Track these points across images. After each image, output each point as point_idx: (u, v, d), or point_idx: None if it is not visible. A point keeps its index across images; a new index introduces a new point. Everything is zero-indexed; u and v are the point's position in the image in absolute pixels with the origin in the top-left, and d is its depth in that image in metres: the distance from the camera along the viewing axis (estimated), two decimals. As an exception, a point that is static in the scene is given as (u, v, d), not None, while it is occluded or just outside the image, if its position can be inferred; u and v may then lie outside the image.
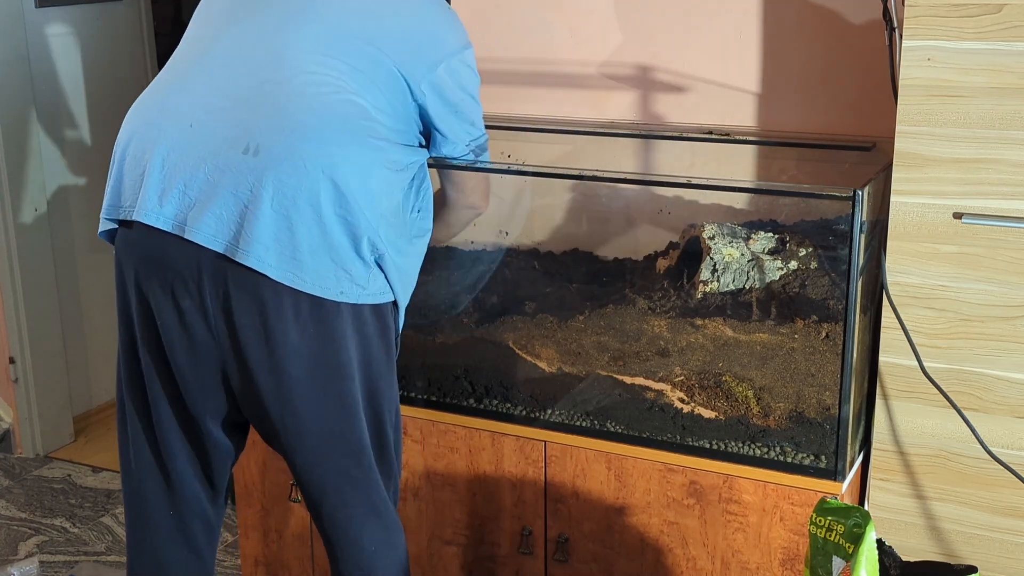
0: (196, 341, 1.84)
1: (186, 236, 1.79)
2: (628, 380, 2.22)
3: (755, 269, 2.15)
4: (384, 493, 1.98)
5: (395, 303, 1.94)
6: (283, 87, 1.82)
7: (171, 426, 1.94)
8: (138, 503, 2.01)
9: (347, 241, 1.81)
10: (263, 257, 1.77)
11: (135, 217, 1.83)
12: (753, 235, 2.15)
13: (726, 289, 2.17)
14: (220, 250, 1.78)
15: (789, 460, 2.08)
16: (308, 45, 1.86)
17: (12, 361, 3.53)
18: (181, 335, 1.84)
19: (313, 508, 1.97)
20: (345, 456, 1.91)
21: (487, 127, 2.09)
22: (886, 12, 2.16)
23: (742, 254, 2.15)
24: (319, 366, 1.84)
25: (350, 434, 1.91)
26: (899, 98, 1.93)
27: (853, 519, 1.62)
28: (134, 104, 1.94)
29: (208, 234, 1.78)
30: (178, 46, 1.99)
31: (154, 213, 1.81)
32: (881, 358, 2.04)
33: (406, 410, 2.30)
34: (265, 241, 1.77)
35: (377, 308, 1.90)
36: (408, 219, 1.94)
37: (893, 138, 1.95)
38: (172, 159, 1.81)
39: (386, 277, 1.88)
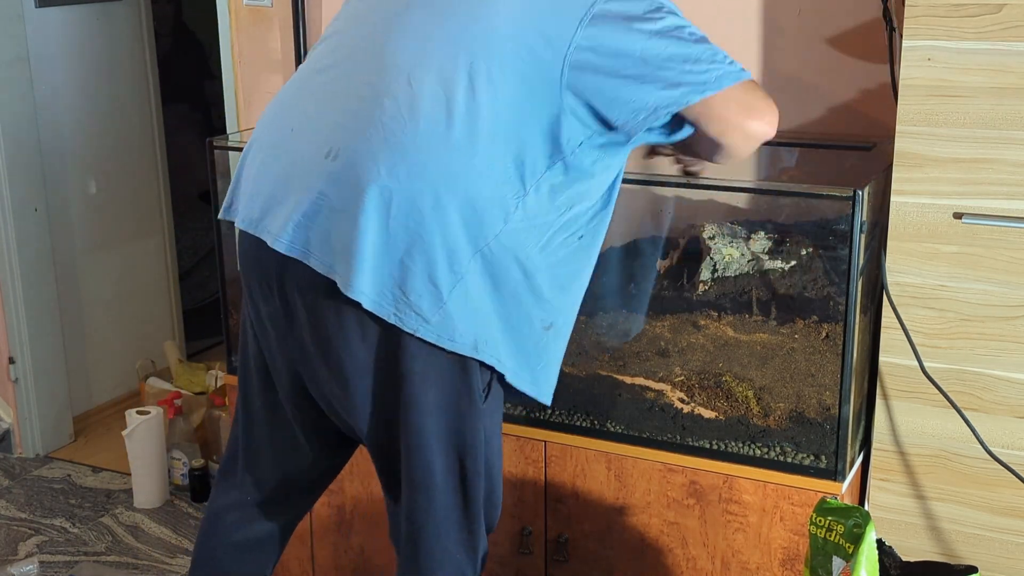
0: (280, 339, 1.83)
1: (258, 234, 1.76)
2: (628, 380, 2.22)
3: (755, 269, 2.15)
4: (454, 537, 1.80)
5: (486, 365, 1.72)
6: (375, 89, 1.70)
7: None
8: (208, 514, 2.05)
9: (419, 263, 1.65)
10: (332, 266, 1.67)
11: (228, 218, 1.87)
12: (753, 235, 2.15)
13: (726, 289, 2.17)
14: (284, 251, 1.71)
15: (789, 460, 2.08)
16: (411, 42, 1.72)
17: (12, 361, 3.53)
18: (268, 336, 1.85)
19: None
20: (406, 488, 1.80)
21: None
22: (886, 12, 2.17)
23: (742, 254, 2.15)
24: (380, 384, 1.74)
25: (412, 465, 1.77)
26: (899, 98, 1.93)
27: (853, 519, 1.62)
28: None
29: (273, 234, 1.73)
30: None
31: (242, 214, 1.82)
32: (881, 358, 2.04)
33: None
34: (335, 247, 1.67)
35: (461, 359, 1.70)
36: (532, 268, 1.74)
37: (893, 138, 1.95)
38: (266, 164, 1.79)
39: (465, 319, 1.67)
